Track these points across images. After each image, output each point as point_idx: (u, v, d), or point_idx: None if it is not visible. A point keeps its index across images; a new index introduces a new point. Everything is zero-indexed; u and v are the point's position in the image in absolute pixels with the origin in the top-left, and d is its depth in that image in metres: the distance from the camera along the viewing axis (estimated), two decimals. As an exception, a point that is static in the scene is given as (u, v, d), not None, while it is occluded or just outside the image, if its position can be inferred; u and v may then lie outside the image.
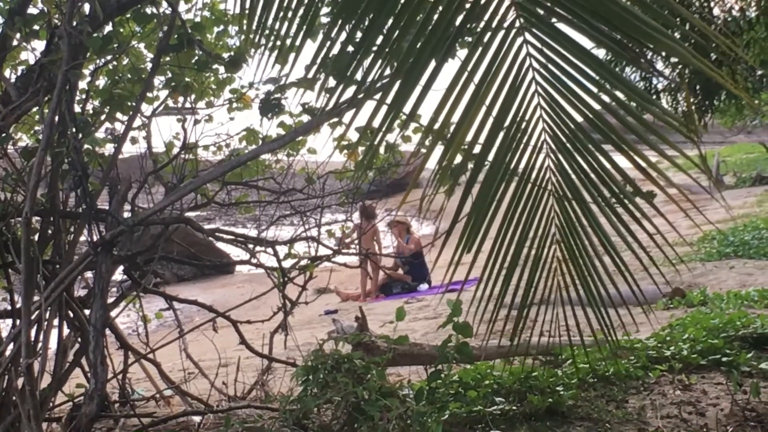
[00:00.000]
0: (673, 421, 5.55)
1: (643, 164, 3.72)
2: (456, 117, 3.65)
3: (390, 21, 3.52)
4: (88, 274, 5.56)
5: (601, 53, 5.12)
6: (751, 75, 9.11)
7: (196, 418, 6.03)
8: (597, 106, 3.79)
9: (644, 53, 3.88)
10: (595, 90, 3.76)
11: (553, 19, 3.68)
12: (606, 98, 3.79)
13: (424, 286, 15.26)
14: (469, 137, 3.74)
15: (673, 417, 5.61)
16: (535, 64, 3.75)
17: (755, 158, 32.42)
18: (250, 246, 6.76)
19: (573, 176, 4.14)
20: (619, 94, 3.85)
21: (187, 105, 6.22)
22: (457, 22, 3.53)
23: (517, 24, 3.64)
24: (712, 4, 8.01)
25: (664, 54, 4.15)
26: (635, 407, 5.84)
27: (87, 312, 5.16)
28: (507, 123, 3.83)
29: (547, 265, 4.71)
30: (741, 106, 10.57)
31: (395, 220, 14.89)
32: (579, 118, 3.87)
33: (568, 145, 3.99)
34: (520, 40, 3.67)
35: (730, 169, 28.89)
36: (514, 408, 5.76)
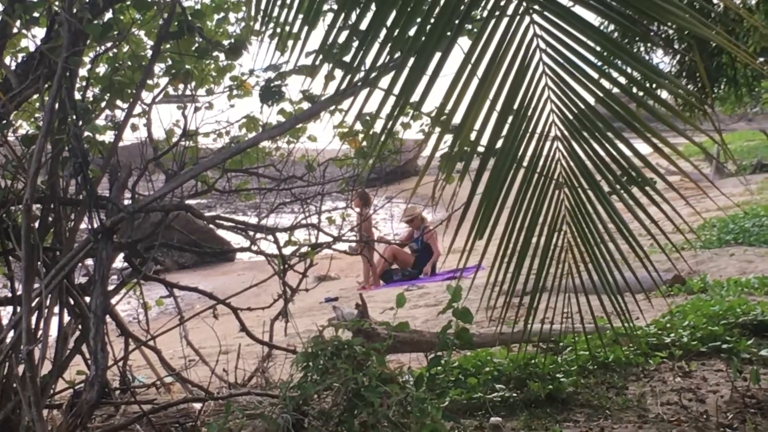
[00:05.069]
0: (673, 407, 5.57)
1: (659, 144, 3.68)
2: (464, 104, 3.62)
3: (395, 9, 3.50)
4: (89, 261, 5.55)
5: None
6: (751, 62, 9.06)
7: (197, 405, 6.04)
8: (608, 85, 3.76)
9: (652, 28, 3.83)
10: (604, 68, 3.73)
11: None
12: (615, 75, 3.76)
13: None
14: (477, 124, 3.72)
15: (673, 404, 5.63)
16: (542, 44, 3.72)
17: (755, 146, 32.31)
18: (251, 233, 6.76)
19: (586, 161, 4.09)
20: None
21: (188, 92, 6.20)
22: (462, 8, 3.51)
23: (524, 5, 3.61)
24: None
25: (670, 31, 4.11)
26: (635, 394, 5.86)
27: (87, 299, 5.16)
28: (515, 106, 3.80)
29: (553, 253, 4.69)
30: (741, 94, 10.49)
31: (413, 215, 14.95)
32: (589, 99, 3.83)
33: (577, 125, 3.95)
34: (526, 20, 3.64)
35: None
36: (514, 395, 5.79)
